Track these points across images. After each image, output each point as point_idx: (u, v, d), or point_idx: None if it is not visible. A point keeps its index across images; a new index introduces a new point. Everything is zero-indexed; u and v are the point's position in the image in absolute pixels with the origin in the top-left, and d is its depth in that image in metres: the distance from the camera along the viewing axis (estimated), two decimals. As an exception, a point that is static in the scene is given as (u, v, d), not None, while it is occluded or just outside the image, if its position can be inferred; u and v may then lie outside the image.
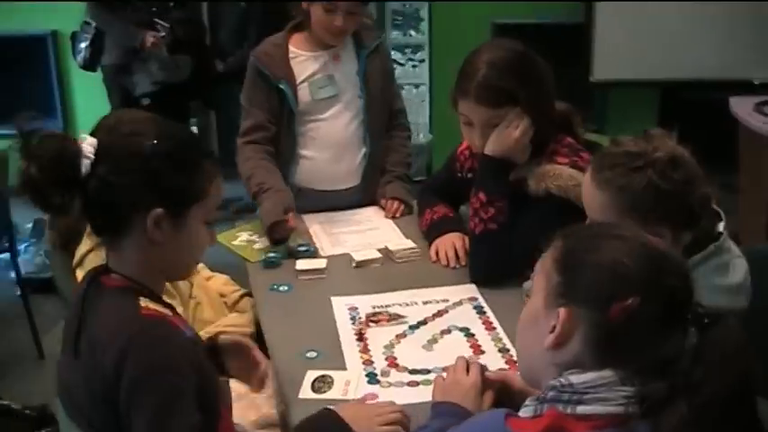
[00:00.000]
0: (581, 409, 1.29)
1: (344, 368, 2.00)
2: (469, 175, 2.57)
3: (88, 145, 1.54)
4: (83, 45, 5.00)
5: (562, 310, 1.34)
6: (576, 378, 1.32)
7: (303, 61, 2.88)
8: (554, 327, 1.35)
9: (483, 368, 1.77)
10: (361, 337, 2.13)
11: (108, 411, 1.53)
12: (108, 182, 1.55)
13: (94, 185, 1.54)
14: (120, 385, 1.50)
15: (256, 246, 2.70)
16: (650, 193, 1.79)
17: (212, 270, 2.61)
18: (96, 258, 2.21)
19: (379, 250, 2.61)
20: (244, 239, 2.76)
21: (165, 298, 1.72)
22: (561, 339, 1.35)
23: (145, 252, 1.62)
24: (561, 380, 1.33)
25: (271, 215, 2.69)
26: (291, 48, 2.89)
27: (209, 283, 2.55)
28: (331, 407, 1.74)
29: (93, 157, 1.54)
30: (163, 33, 4.79)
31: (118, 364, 1.50)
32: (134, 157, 1.57)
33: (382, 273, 2.52)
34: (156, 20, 4.81)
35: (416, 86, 5.70)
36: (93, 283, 1.65)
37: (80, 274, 2.31)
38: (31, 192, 1.53)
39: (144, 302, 1.59)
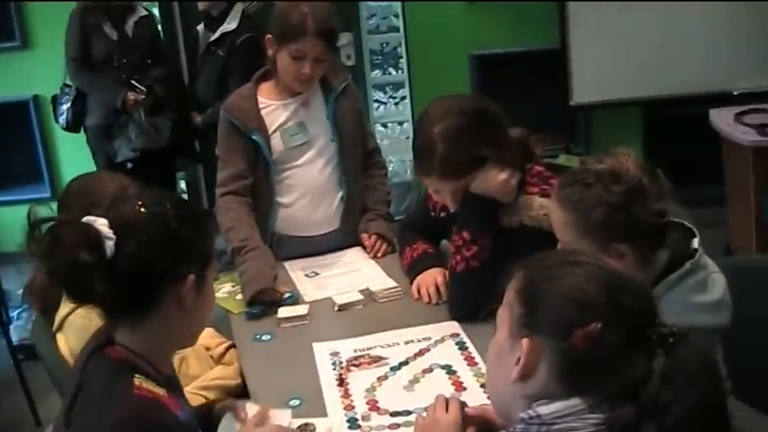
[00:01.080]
0: (550, 440, 1.28)
1: (326, 415, 1.98)
2: (442, 214, 2.55)
3: (102, 226, 1.51)
4: (65, 107, 5.03)
5: (525, 341, 1.34)
6: (544, 409, 1.31)
7: (273, 110, 2.88)
8: (519, 358, 1.34)
9: (463, 404, 1.75)
10: (342, 382, 2.12)
11: None
12: (140, 258, 1.52)
13: (125, 264, 1.51)
14: None
15: (238, 297, 2.69)
16: (600, 207, 1.82)
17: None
18: (77, 319, 2.21)
19: (361, 292, 2.60)
20: (225, 291, 2.75)
21: None
22: (527, 371, 1.34)
23: (170, 324, 1.61)
24: (530, 412, 1.32)
25: (260, 280, 2.63)
26: (260, 98, 2.89)
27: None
28: None
29: (114, 236, 1.51)
30: (142, 96, 4.82)
31: None
32: (161, 228, 1.56)
33: (365, 314, 2.52)
34: (134, 82, 4.85)
35: (400, 124, 5.71)
36: (95, 354, 1.62)
37: (60, 338, 2.31)
38: (72, 287, 1.52)
39: (138, 381, 1.56)
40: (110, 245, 1.50)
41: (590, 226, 1.83)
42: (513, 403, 1.38)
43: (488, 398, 1.93)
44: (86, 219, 1.52)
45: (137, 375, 1.57)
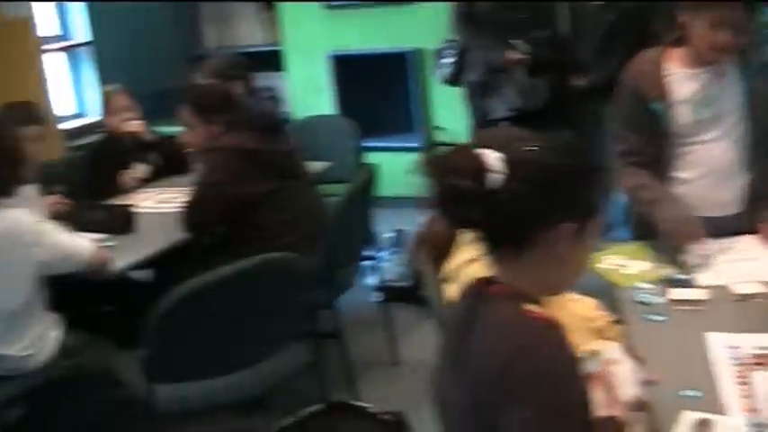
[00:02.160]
0: None
1: (723, 413, 1.84)
2: None
3: (496, 160, 1.53)
4: (447, 61, 5.14)
5: None
6: None
7: (680, 80, 2.72)
8: None
9: None
10: (742, 381, 1.96)
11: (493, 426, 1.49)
12: (523, 196, 1.52)
13: (506, 199, 1.52)
14: (502, 384, 1.46)
15: (626, 271, 2.59)
16: None
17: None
18: (471, 272, 2.22)
19: (764, 284, 2.40)
20: (611, 263, 2.65)
21: None
22: None
23: (541, 266, 1.59)
24: None
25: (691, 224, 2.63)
26: (667, 65, 2.74)
27: (575, 306, 2.48)
28: None
29: (504, 171, 1.52)
30: (524, 56, 4.80)
31: (506, 365, 1.46)
32: (552, 173, 1.55)
33: (767, 309, 2.32)
34: (517, 41, 4.84)
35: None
36: (478, 295, 1.63)
37: (452, 287, 2.33)
38: (451, 206, 1.55)
39: (531, 307, 1.56)
40: (495, 177, 1.50)
41: None
42: None
43: None
44: (481, 151, 1.53)
45: (527, 304, 1.56)
